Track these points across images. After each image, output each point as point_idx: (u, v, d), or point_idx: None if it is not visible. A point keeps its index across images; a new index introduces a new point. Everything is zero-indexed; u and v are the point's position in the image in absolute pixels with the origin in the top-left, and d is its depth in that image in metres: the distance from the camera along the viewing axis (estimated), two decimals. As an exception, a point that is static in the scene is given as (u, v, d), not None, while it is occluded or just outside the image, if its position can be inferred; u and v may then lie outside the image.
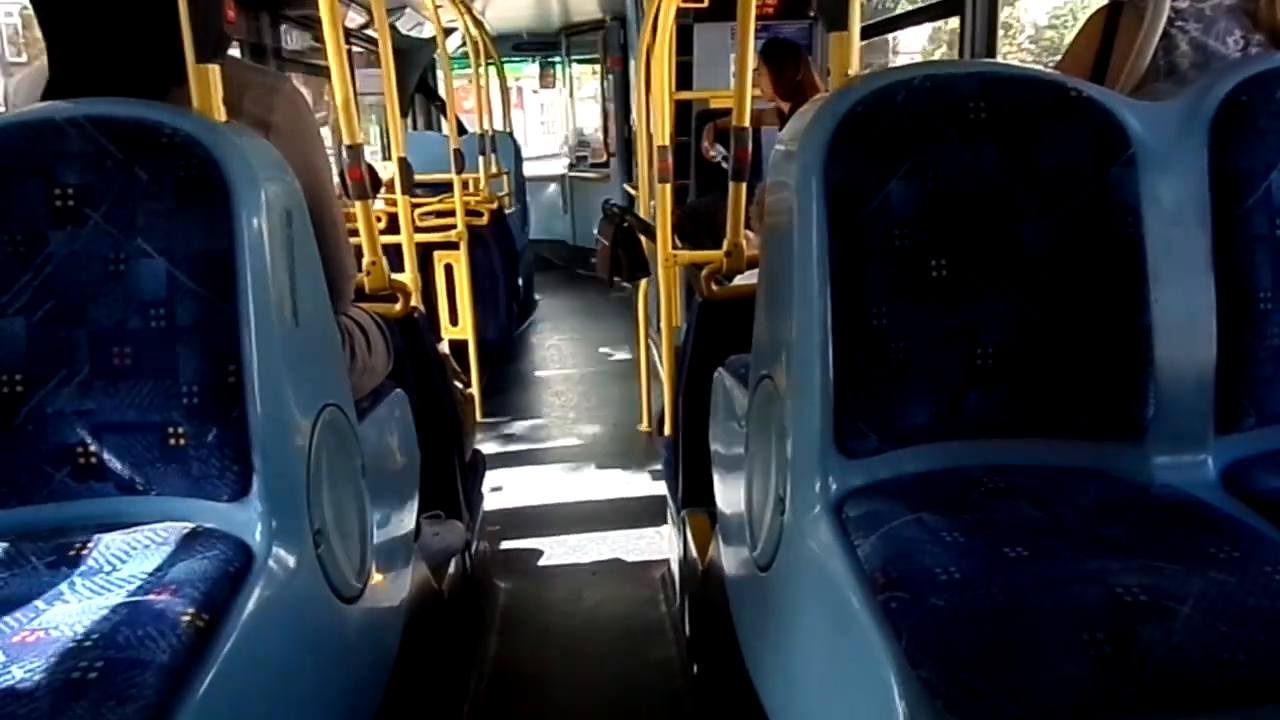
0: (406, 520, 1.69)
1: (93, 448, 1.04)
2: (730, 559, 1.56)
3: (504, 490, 3.26)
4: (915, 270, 1.10)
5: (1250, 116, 1.13)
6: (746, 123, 2.00)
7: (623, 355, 5.13)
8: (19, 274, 1.03)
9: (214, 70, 1.10)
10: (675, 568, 2.47)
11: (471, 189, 4.71)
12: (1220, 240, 1.13)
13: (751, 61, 1.99)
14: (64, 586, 0.93)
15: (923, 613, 0.85)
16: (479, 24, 5.63)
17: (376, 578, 1.35)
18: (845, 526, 1.03)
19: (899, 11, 4.51)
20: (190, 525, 1.04)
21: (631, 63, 5.70)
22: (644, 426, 3.82)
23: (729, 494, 1.59)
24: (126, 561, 0.97)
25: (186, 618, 0.87)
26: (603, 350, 5.38)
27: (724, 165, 4.08)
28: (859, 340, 1.08)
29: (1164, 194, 1.12)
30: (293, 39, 4.47)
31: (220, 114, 1.10)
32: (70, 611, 0.87)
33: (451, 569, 2.01)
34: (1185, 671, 0.79)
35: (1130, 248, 1.11)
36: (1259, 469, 1.12)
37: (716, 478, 1.72)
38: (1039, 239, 1.11)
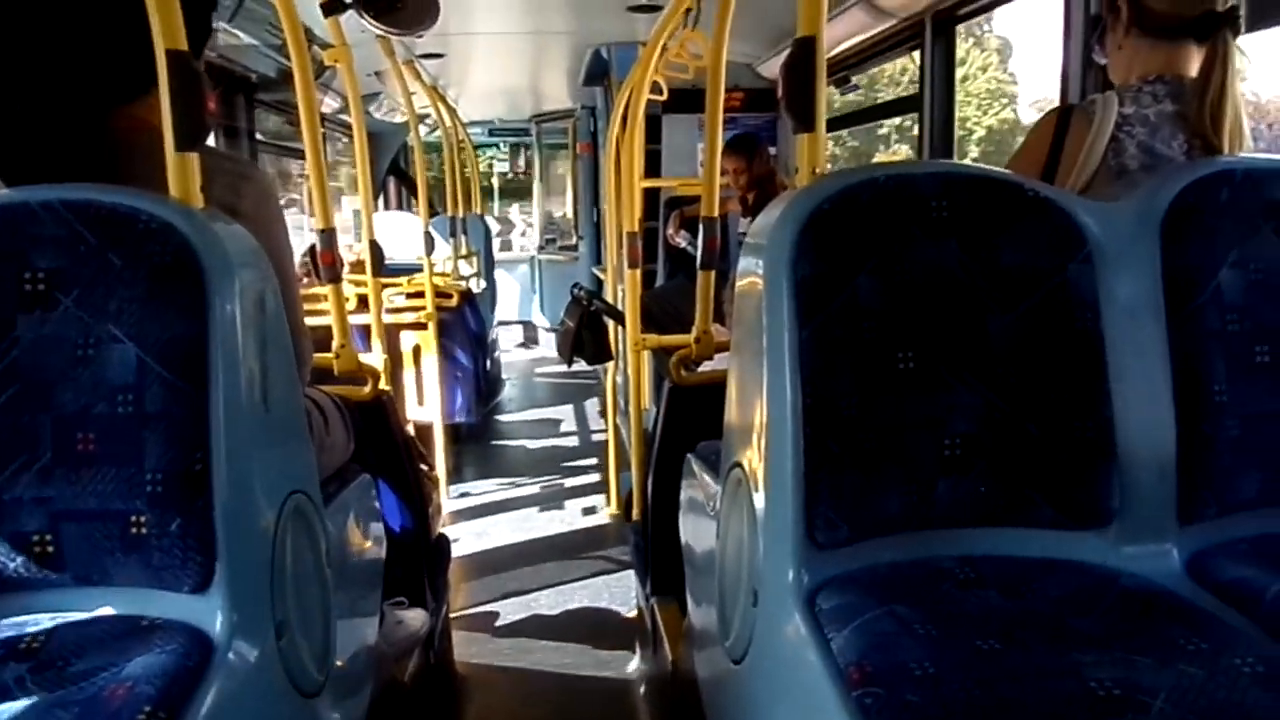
0: (370, 608, 1.65)
1: (49, 537, 1.02)
2: (702, 650, 1.53)
3: (469, 575, 3.20)
4: (884, 362, 1.12)
5: (1198, 217, 1.18)
6: (716, 213, 2.04)
7: (590, 438, 5.11)
8: None
9: (193, 159, 1.11)
10: (645, 657, 2.42)
11: (441, 269, 4.74)
12: (1175, 335, 1.16)
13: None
14: (13, 682, 0.89)
15: (898, 709, 0.84)
16: (452, 111, 5.75)
17: (338, 669, 1.31)
18: (819, 619, 1.02)
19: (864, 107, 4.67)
20: (149, 618, 1.01)
21: (600, 149, 5.84)
22: (612, 510, 3.79)
23: (700, 583, 1.57)
24: (81, 656, 0.94)
25: (142, 716, 0.84)
26: (570, 433, 5.36)
27: (690, 251, 4.17)
28: (830, 431, 1.10)
29: (1120, 290, 1.16)
30: (267, 122, 4.53)
31: (198, 201, 1.11)
32: (20, 709, 0.84)
33: (415, 658, 1.96)
34: None
35: (1090, 342, 1.14)
36: (1222, 558, 1.13)
37: (687, 566, 1.70)
38: (1003, 333, 1.14)
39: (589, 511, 3.90)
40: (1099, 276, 1.15)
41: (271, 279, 1.20)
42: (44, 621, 1.00)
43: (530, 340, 8.43)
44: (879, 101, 5.09)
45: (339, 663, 1.31)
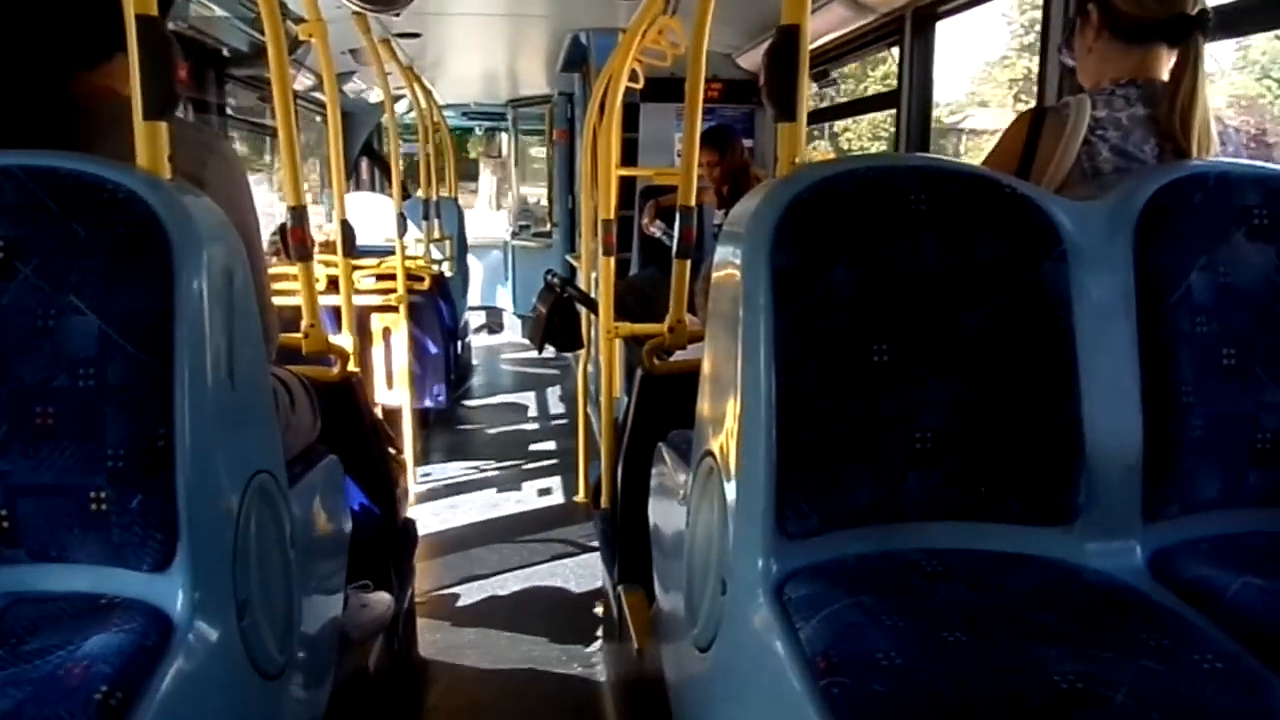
0: (334, 591, 1.63)
1: (4, 512, 0.99)
2: (669, 638, 1.53)
3: (435, 560, 3.18)
4: (858, 354, 1.12)
5: (1171, 219, 1.19)
6: (693, 202, 2.04)
7: (559, 424, 5.10)
8: None
9: (162, 128, 1.09)
10: (610, 644, 2.42)
11: (412, 251, 4.70)
12: (1145, 335, 1.18)
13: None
14: None
15: (865, 699, 0.85)
16: (427, 93, 5.69)
17: (301, 653, 1.29)
18: (787, 608, 1.02)
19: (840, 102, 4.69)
20: (107, 596, 0.99)
21: (577, 136, 5.80)
22: (580, 498, 3.78)
23: (668, 571, 1.57)
24: (36, 634, 0.91)
25: (99, 696, 0.83)
26: (539, 418, 5.34)
27: (665, 240, 4.16)
28: (803, 422, 1.10)
29: (1093, 289, 1.17)
30: (238, 97, 4.46)
31: (166, 172, 1.09)
32: None
33: (379, 643, 1.94)
34: None
35: (1061, 339, 1.15)
36: (1184, 557, 1.15)
37: (655, 554, 1.70)
38: (976, 328, 1.14)
39: (557, 498, 3.89)
40: (1073, 275, 1.16)
41: (241, 252, 1.18)
42: None
43: (498, 325, 8.39)
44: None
45: (301, 645, 1.29)
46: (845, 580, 1.05)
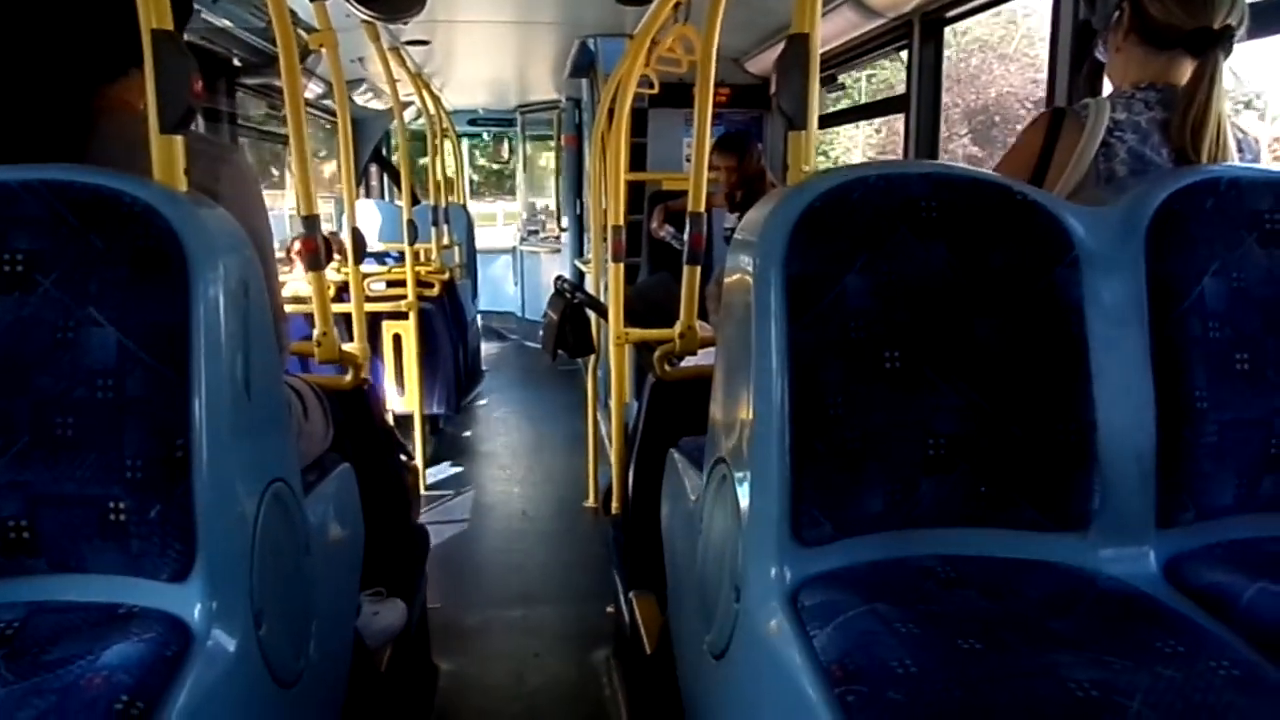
0: (348, 598, 1.64)
1: (25, 522, 1.00)
2: (682, 644, 1.54)
3: (446, 567, 3.19)
4: (870, 361, 1.12)
5: (1183, 225, 1.19)
6: (703, 208, 2.04)
7: (569, 430, 5.11)
8: None
9: (178, 142, 1.10)
10: (621, 650, 2.42)
11: (423, 259, 4.71)
12: (1158, 340, 1.17)
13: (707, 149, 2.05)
14: None
15: (881, 707, 0.85)
16: (436, 99, 5.71)
17: (316, 660, 1.30)
18: (801, 616, 1.02)
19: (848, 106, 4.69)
20: (126, 606, 1.00)
21: (585, 142, 5.82)
22: (590, 503, 3.79)
23: (681, 577, 1.57)
24: (57, 644, 0.92)
25: (119, 706, 0.83)
26: (549, 424, 5.35)
27: (674, 245, 4.17)
28: (816, 429, 1.10)
29: (1105, 295, 1.17)
30: (248, 106, 4.49)
31: (182, 185, 1.10)
32: None
33: (391, 649, 1.95)
34: None
35: (1074, 345, 1.15)
36: (1198, 563, 1.15)
37: (668, 560, 1.71)
38: (988, 334, 1.14)
39: (567, 504, 3.90)
40: (1085, 281, 1.16)
41: (256, 264, 1.19)
42: (19, 608, 0.98)
43: (509, 332, 8.41)
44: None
45: (316, 653, 1.30)
46: (860, 587, 1.05)
